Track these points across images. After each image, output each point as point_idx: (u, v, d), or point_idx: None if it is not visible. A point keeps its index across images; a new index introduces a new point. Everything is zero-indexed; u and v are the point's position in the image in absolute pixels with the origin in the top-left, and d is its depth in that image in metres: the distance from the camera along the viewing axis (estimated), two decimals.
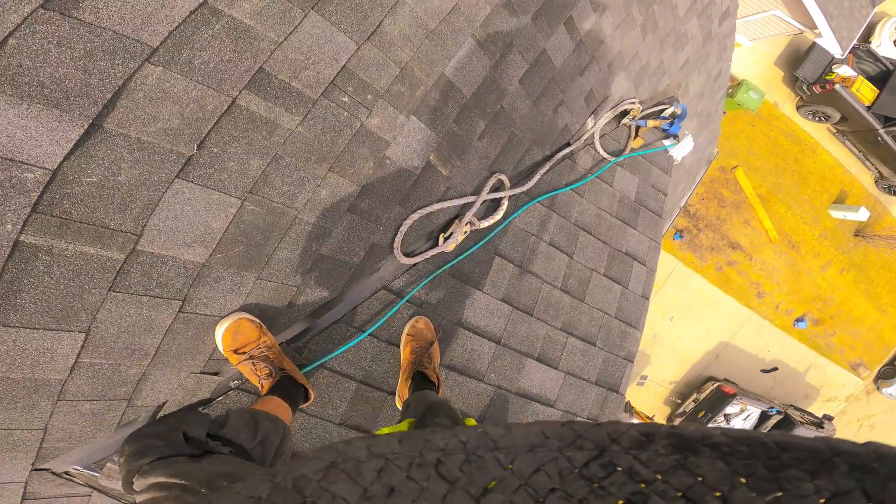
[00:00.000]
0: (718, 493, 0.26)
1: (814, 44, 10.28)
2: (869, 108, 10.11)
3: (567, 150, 2.37)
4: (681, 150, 2.98)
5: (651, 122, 2.83)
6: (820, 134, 11.17)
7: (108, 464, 1.32)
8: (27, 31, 0.87)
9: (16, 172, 0.92)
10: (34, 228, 0.97)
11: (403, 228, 1.70)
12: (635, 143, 2.78)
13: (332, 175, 1.42)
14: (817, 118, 10.79)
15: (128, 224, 1.09)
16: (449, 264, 1.90)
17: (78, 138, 0.97)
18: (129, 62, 0.99)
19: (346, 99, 1.37)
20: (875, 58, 10.76)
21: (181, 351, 1.31)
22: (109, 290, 1.11)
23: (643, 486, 0.27)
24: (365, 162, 1.49)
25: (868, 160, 11.40)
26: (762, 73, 10.63)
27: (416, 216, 1.71)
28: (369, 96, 1.42)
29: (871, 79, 10.56)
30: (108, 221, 1.06)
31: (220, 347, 1.32)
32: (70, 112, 0.95)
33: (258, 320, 1.37)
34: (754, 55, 10.53)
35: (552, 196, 2.29)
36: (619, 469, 0.28)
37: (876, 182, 11.92)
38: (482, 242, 2.00)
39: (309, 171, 1.37)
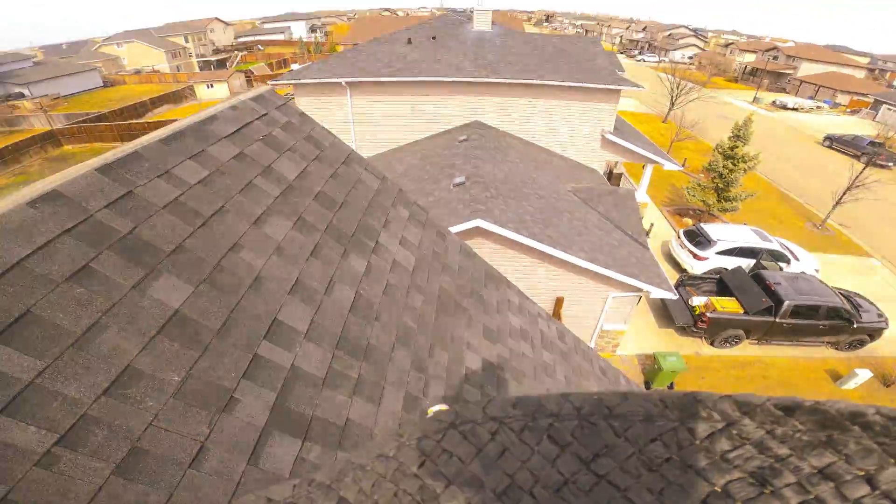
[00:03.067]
0: (862, 472, 0.25)
1: (661, 301, 12.36)
2: (746, 313, 11.47)
3: None
4: None
5: None
6: (754, 349, 11.77)
7: None
8: None
9: None
10: None
11: None
12: None
13: None
14: (732, 343, 11.64)
15: None
16: None
17: None
18: None
19: None
20: (699, 278, 13.22)
21: None
22: None
23: (773, 461, 0.26)
24: None
25: (811, 341, 11.89)
26: (656, 339, 11.80)
27: None
28: None
29: (719, 293, 12.53)
30: None
31: None
32: None
33: None
34: (633, 335, 11.94)
35: None
36: (749, 443, 0.27)
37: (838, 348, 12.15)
38: None
39: None
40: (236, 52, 63.37)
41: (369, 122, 14.16)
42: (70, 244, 1.41)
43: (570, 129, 14.47)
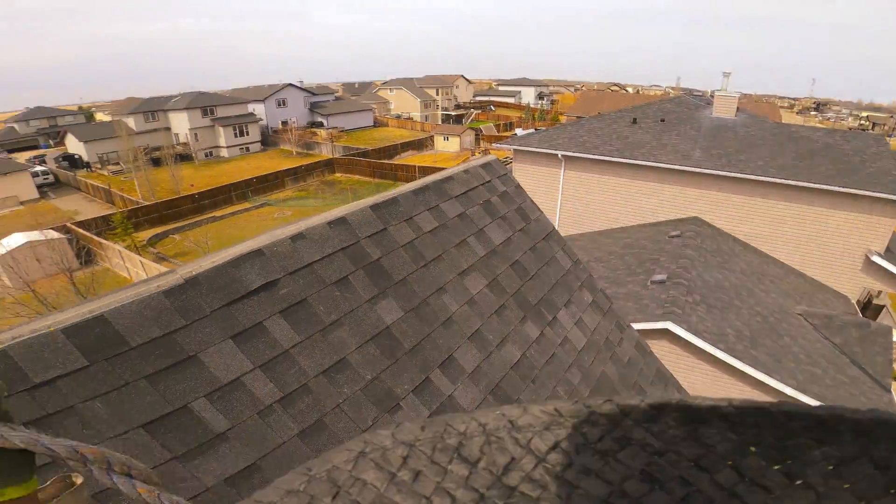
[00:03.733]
0: (730, 462, 0.26)
1: None
2: None
3: None
4: None
5: None
6: None
7: None
8: None
9: None
10: None
11: None
12: None
13: None
14: None
15: None
16: None
17: None
18: None
19: None
20: None
21: None
22: None
23: (655, 457, 0.28)
24: None
25: None
26: None
27: None
28: None
29: None
30: None
31: None
32: None
33: None
34: None
35: None
36: (633, 442, 0.29)
37: None
38: None
39: None
40: (472, 110, 72.53)
41: (578, 199, 14.32)
42: (342, 258, 1.97)
43: (818, 242, 11.83)
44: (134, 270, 19.00)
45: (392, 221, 2.27)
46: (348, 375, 1.81)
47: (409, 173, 33.30)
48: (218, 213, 29.64)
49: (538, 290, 2.85)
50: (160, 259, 21.95)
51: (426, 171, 31.78)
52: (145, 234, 24.98)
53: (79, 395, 1.30)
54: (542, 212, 3.43)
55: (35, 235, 19.14)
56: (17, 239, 18.93)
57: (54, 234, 19.99)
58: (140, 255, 19.86)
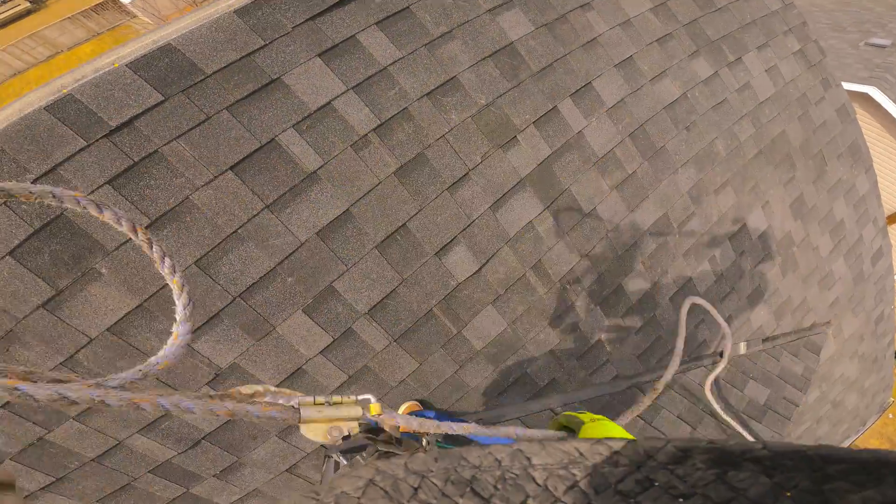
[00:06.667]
0: None
1: None
2: None
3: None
4: None
5: None
6: None
7: None
8: None
9: None
10: None
11: None
12: None
13: None
14: None
15: None
16: None
17: None
18: None
19: None
20: None
21: None
22: None
23: (680, 500, 0.27)
24: None
25: None
26: None
27: None
28: None
29: None
30: None
31: None
32: None
33: None
34: None
35: None
36: (656, 484, 0.28)
37: None
38: None
39: None
40: None
41: None
42: None
43: None
44: None
45: None
46: (458, 99, 1.57)
47: None
48: None
49: (723, 27, 2.20)
50: None
51: None
52: None
53: (161, 136, 1.22)
54: None
55: None
56: None
57: None
58: None
